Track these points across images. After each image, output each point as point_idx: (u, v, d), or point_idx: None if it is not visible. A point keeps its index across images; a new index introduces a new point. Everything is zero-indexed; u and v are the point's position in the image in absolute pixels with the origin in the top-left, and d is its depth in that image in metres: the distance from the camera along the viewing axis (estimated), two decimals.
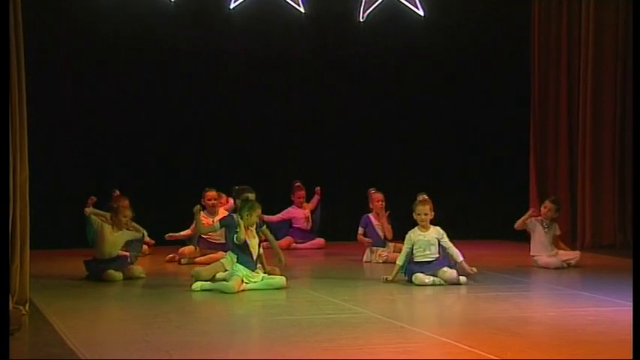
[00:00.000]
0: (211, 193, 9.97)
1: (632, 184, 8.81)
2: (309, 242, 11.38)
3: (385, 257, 9.93)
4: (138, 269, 8.71)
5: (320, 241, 11.45)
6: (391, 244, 10.06)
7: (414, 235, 8.54)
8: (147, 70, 11.52)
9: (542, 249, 9.69)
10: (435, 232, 8.53)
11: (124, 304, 7.73)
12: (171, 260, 9.86)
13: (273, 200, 10.91)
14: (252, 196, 8.53)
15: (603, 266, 10.03)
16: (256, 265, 8.13)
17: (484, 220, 12.03)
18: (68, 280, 8.63)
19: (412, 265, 8.46)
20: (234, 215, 8.36)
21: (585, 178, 11.82)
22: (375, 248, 10.08)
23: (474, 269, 8.47)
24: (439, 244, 8.49)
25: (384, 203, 10.14)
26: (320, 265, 10.42)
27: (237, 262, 8.01)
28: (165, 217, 10.25)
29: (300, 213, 11.39)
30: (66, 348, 5.73)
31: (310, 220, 11.43)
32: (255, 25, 11.85)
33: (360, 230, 10.14)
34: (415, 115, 12.46)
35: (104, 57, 11.41)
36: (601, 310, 7.21)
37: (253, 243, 8.07)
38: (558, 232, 9.85)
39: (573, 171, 12.16)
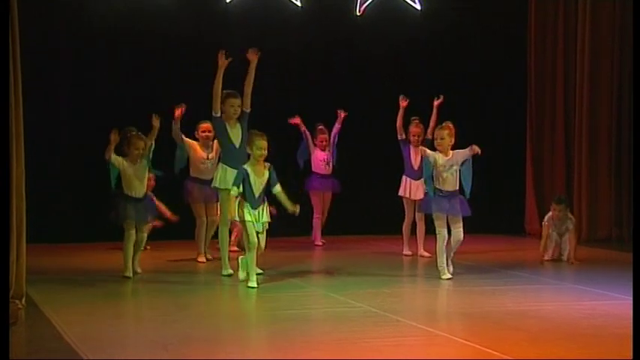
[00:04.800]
0: (206, 125, 9.58)
1: (632, 178, 8.83)
2: (330, 190, 11.14)
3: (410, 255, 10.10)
4: (143, 236, 8.64)
5: (337, 186, 11.21)
6: (420, 182, 9.83)
7: (436, 154, 8.54)
8: (143, 63, 11.48)
9: (551, 246, 9.73)
10: (458, 156, 8.50)
11: (121, 299, 7.72)
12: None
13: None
14: (262, 141, 8.25)
15: (599, 260, 10.05)
16: (259, 203, 8.03)
17: (480, 215, 12.00)
18: (65, 275, 8.62)
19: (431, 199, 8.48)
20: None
21: (582, 171, 11.83)
22: (408, 178, 10.11)
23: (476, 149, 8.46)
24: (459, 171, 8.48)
25: (419, 138, 10.05)
26: (317, 260, 10.43)
27: (243, 196, 8.01)
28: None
29: (321, 155, 11.22)
30: (62, 342, 5.74)
31: (330, 163, 11.24)
32: (252, 19, 11.82)
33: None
34: (412, 109, 12.43)
35: (100, 51, 11.37)
36: (597, 303, 7.23)
37: (258, 182, 8.02)
38: (571, 227, 9.73)
39: (570, 165, 12.20)
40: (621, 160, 11.73)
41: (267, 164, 8.15)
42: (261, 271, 8.15)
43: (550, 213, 9.80)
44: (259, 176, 8.05)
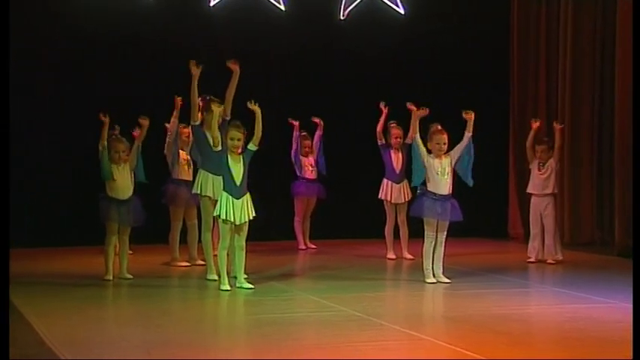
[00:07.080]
0: (187, 129, 9.50)
1: (633, 182, 8.90)
2: (316, 195, 11.24)
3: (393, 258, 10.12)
4: (124, 239, 8.62)
5: (322, 191, 11.28)
6: (404, 184, 10.04)
7: (430, 157, 8.47)
8: (125, 68, 11.45)
9: (535, 188, 10.01)
10: (452, 156, 8.55)
11: (104, 303, 7.70)
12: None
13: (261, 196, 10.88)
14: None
15: (582, 263, 10.09)
16: (242, 192, 7.99)
17: (464, 218, 12.04)
18: (47, 279, 8.59)
19: (424, 199, 8.39)
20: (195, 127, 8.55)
21: (564, 175, 11.87)
22: (389, 182, 10.12)
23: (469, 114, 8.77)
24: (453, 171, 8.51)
25: (401, 140, 10.08)
26: (301, 263, 10.44)
27: (223, 189, 8.00)
28: (151, 219, 10.12)
29: (305, 161, 11.29)
30: (44, 347, 5.72)
31: (316, 167, 11.31)
32: (235, 23, 11.82)
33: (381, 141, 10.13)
34: (395, 112, 12.45)
35: (84, 55, 11.34)
36: (579, 307, 7.27)
37: (237, 169, 7.98)
38: (555, 165, 10.02)
39: None
40: (602, 163, 11.76)
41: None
42: (251, 286, 8.08)
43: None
44: (237, 162, 8.02)
